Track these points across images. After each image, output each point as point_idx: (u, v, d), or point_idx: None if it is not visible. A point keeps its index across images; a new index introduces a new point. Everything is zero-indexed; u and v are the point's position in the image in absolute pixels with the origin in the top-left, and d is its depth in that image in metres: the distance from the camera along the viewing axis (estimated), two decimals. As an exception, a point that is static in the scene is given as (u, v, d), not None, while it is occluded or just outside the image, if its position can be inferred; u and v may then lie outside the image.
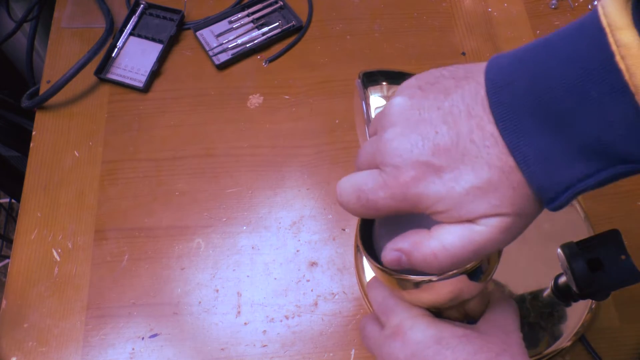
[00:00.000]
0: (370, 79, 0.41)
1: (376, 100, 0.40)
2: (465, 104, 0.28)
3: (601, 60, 0.24)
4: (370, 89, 0.40)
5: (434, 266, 0.31)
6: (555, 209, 0.28)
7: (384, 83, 0.41)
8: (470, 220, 0.29)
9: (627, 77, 0.24)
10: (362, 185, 0.31)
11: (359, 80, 0.41)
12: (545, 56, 0.27)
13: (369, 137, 0.34)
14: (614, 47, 0.24)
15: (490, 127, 0.28)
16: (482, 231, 0.29)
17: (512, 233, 0.30)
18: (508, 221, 0.29)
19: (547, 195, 0.28)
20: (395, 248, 0.32)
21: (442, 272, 0.32)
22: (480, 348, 0.34)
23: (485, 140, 0.28)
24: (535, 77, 0.26)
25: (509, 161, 0.28)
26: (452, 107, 0.29)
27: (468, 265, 0.32)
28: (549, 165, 0.27)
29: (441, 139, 0.28)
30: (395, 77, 0.41)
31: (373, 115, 0.40)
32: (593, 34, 0.25)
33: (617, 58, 0.24)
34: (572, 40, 0.26)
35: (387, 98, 0.40)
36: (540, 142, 0.27)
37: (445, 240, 0.30)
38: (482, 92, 0.28)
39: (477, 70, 0.29)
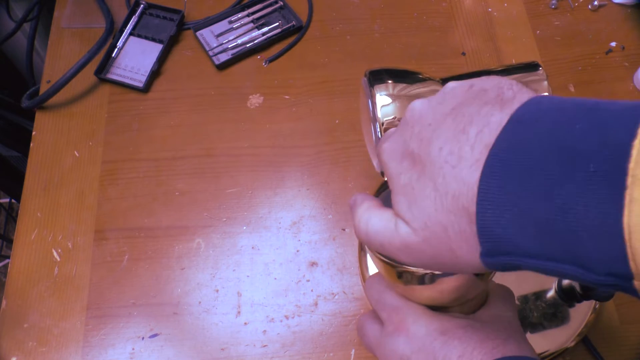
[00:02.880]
0: (376, 77, 0.41)
1: (382, 99, 0.40)
2: (471, 119, 0.27)
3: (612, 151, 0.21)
4: (376, 88, 0.40)
5: (355, 228, 0.33)
6: (489, 266, 0.26)
7: (390, 81, 0.40)
8: (398, 216, 0.30)
9: (629, 181, 0.20)
10: (387, 135, 0.33)
11: (365, 79, 0.41)
12: (582, 115, 0.24)
13: None
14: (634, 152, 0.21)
15: (467, 149, 0.26)
16: (392, 232, 0.30)
17: (413, 256, 0.29)
18: (412, 240, 0.28)
19: (486, 243, 0.25)
20: (354, 197, 0.35)
21: (362, 241, 0.33)
22: (486, 336, 0.34)
23: (450, 155, 0.26)
24: (554, 131, 0.24)
25: (452, 189, 0.26)
26: (458, 114, 0.28)
27: None
28: (505, 213, 0.24)
29: (426, 131, 0.29)
30: (401, 76, 0.41)
31: (379, 113, 0.40)
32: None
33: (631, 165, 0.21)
34: (614, 112, 0.23)
35: (393, 97, 0.40)
36: (511, 186, 0.24)
37: (371, 218, 0.32)
38: (496, 118, 0.26)
39: (518, 101, 0.27)
